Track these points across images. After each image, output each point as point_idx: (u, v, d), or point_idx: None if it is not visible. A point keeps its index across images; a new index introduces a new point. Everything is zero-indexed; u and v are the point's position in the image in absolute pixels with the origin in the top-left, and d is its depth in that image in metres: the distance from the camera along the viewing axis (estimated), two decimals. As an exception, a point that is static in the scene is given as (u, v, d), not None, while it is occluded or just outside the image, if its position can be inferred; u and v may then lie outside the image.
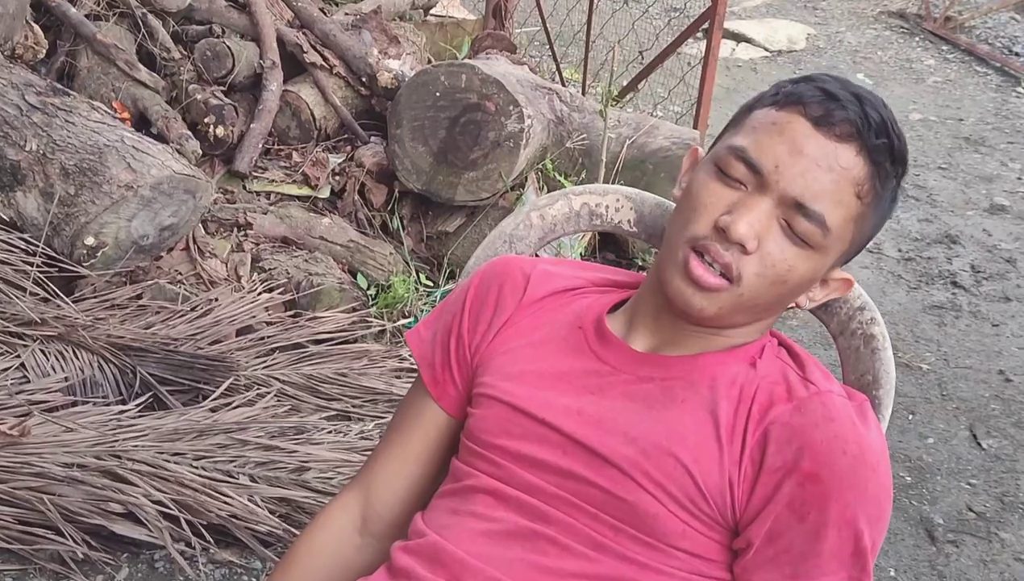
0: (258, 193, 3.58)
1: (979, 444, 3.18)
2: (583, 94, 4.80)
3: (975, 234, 4.75)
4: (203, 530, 2.31)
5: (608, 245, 3.90)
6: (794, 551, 1.15)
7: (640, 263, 3.87)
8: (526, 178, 3.68)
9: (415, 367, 3.11)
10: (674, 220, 1.23)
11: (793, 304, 1.25)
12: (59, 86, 3.27)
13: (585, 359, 1.27)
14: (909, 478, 2.99)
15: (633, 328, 1.29)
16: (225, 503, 2.35)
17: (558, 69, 5.27)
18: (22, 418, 2.49)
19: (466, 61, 3.78)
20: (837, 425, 1.15)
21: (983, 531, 2.80)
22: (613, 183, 3.67)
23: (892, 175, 1.19)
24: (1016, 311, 4.06)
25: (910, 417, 3.29)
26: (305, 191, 3.62)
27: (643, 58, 4.84)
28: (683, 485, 1.17)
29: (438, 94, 3.52)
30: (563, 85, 4.98)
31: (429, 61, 4.34)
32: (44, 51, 3.45)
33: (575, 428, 1.22)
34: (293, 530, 2.38)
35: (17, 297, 2.83)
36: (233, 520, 2.34)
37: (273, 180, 3.61)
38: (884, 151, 1.17)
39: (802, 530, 1.14)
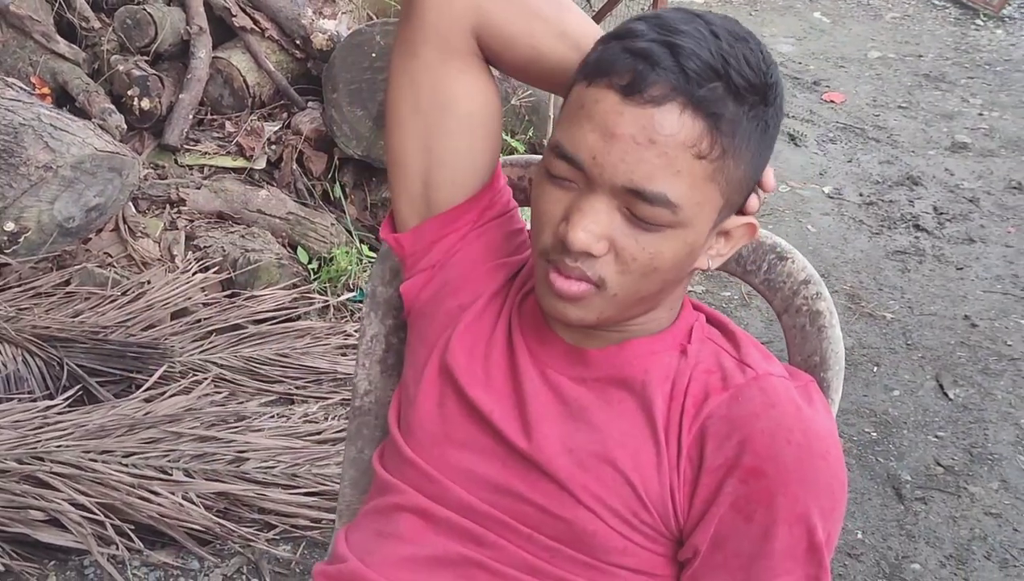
0: (191, 167, 3.41)
1: (946, 394, 3.09)
2: (531, 47, 4.64)
3: (937, 174, 4.65)
4: (132, 533, 2.18)
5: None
6: (743, 554, 1.05)
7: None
8: (471, 139, 3.53)
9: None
10: (531, 230, 1.10)
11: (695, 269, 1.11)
12: (-30, 63, 3.09)
13: (524, 355, 1.16)
14: (875, 433, 2.90)
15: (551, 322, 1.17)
16: (156, 503, 2.22)
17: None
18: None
19: (403, 18, 3.60)
20: (779, 411, 1.04)
21: (952, 486, 2.72)
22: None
23: (743, 114, 0.97)
24: (980, 252, 3.97)
25: (875, 369, 3.19)
26: (240, 163, 3.45)
27: (591, 6, 4.68)
28: (623, 496, 1.07)
29: (374, 55, 3.36)
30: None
31: (369, 19, 4.17)
32: (-46, 26, 3.26)
33: (515, 436, 1.11)
34: (229, 525, 2.26)
35: (-68, 291, 2.68)
36: (165, 520, 2.22)
37: (206, 152, 3.44)
38: (718, 98, 0.95)
39: (750, 531, 1.04)
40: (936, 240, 4.05)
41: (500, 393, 1.14)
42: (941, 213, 4.27)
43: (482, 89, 1.18)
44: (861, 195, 4.40)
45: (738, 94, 0.96)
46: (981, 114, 5.42)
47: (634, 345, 1.12)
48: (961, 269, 3.84)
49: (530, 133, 3.59)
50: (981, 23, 6.93)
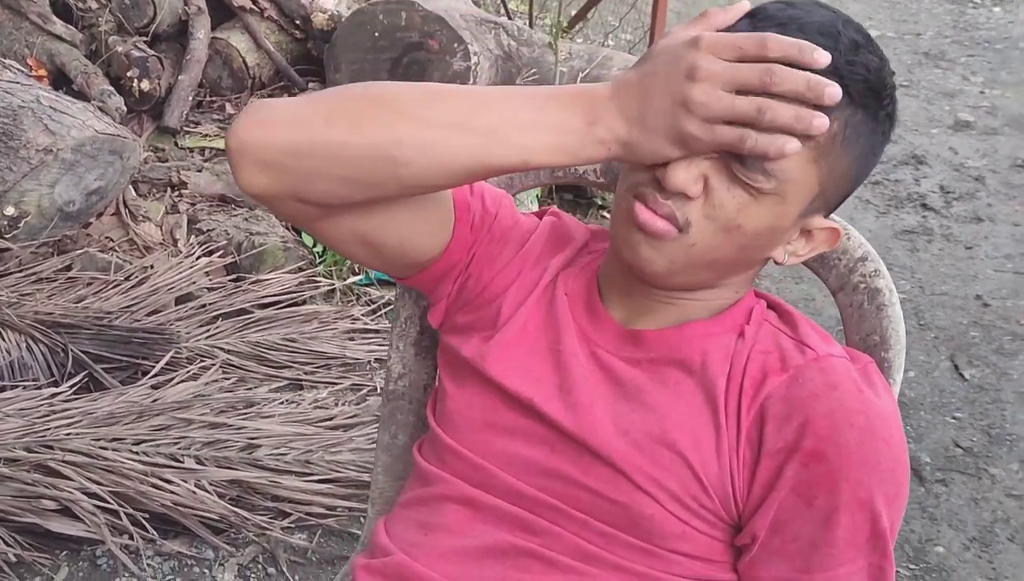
0: (191, 149, 3.36)
1: (961, 375, 3.06)
2: (530, 27, 4.59)
3: (941, 153, 4.62)
4: (146, 522, 2.14)
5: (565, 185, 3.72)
6: (803, 540, 1.01)
7: (600, 202, 3.70)
8: (476, 119, 3.48)
9: (369, 328, 2.94)
10: (621, 172, 1.07)
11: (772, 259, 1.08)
12: (-35, 44, 3.03)
13: (571, 335, 1.11)
14: (892, 415, 2.87)
15: (604, 298, 1.13)
16: (168, 491, 2.17)
17: (503, 1, 5.03)
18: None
19: (406, -3, 3.55)
20: (840, 393, 1.00)
21: (972, 467, 2.69)
22: (568, 120, 3.48)
23: (856, 112, 0.97)
24: (988, 231, 3.94)
25: (888, 350, 3.16)
26: (242, 144, 3.40)
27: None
28: (682, 479, 1.03)
29: (377, 34, 3.30)
30: (509, 18, 4.77)
31: (368, -1, 4.11)
32: (-52, 7, 3.19)
33: (563, 418, 1.07)
34: (244, 513, 2.21)
35: (-68, 277, 2.62)
36: (178, 508, 2.17)
37: (206, 134, 3.39)
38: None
39: (811, 516, 1.00)
40: (944, 219, 4.02)
41: (540, 378, 1.10)
42: (948, 192, 4.24)
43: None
44: (866, 174, 4.37)
45: (853, 95, 0.96)
46: (983, 92, 5.39)
47: (693, 326, 1.08)
48: (970, 248, 3.81)
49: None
50: (979, 1, 6.91)
